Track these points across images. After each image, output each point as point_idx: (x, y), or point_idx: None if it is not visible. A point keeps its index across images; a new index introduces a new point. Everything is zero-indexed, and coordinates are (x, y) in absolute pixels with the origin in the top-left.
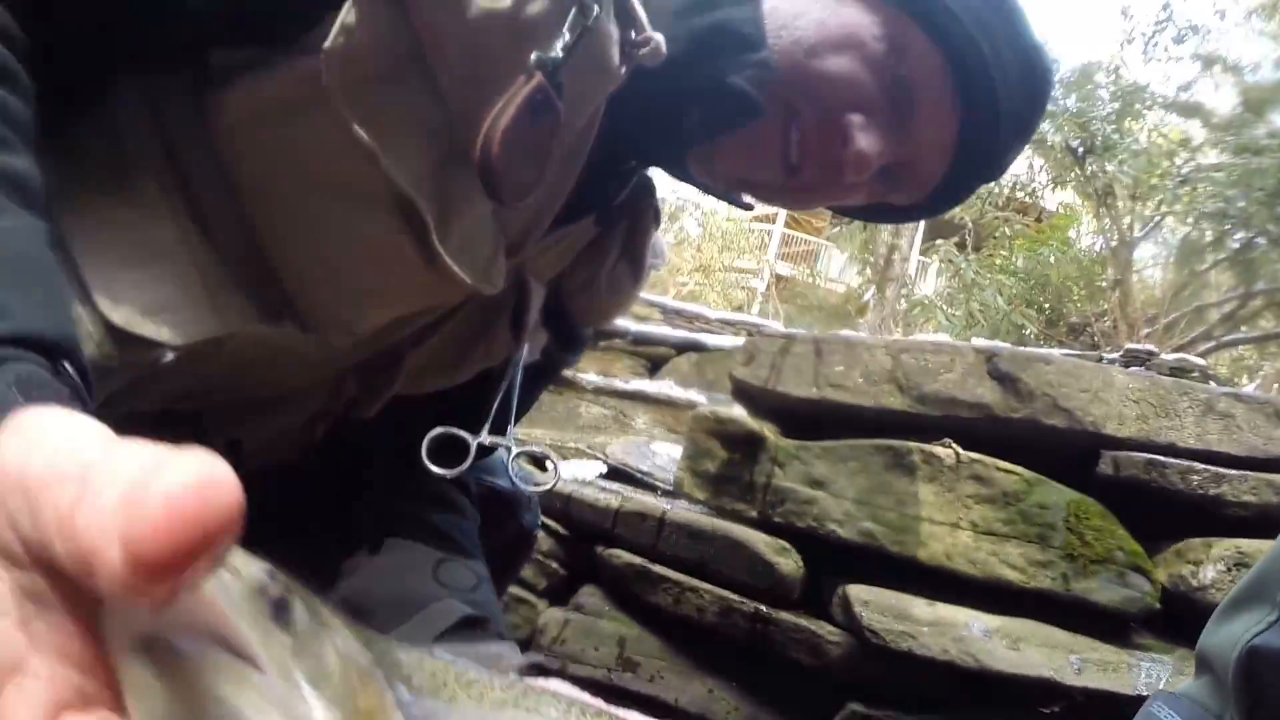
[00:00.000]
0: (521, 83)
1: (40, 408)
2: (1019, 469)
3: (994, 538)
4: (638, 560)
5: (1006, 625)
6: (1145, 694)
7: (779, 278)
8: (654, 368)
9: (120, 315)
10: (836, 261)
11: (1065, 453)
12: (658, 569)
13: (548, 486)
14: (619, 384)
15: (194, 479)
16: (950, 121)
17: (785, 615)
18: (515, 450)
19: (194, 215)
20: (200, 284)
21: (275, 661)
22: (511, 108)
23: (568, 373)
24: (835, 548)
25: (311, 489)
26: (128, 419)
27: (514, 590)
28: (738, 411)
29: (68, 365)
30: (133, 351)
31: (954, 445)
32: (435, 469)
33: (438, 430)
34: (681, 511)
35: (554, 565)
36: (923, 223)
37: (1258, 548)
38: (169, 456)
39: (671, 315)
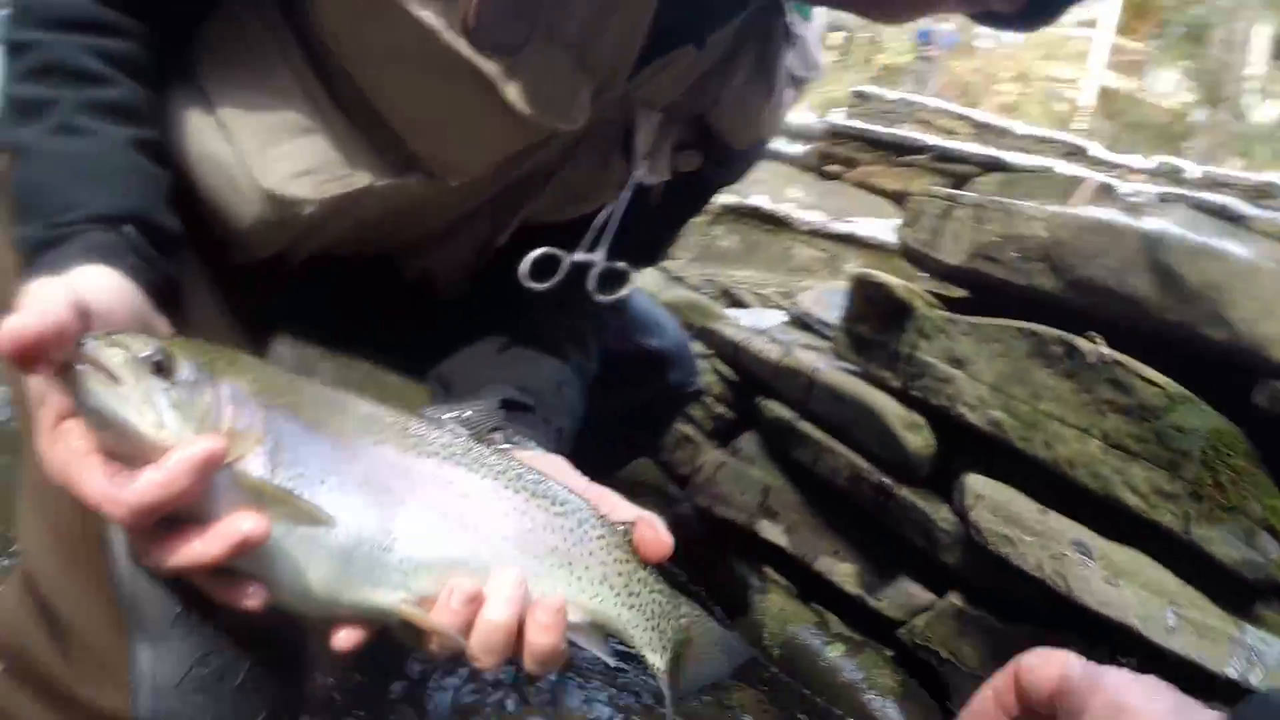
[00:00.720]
0: None
1: (96, 266)
2: (1164, 381)
3: (1122, 454)
4: (787, 414)
5: (1113, 555)
6: (1235, 678)
7: (1105, 90)
8: (958, 185)
9: (270, 180)
10: (1167, 76)
11: (1221, 372)
12: (803, 426)
13: (619, 295)
14: (834, 225)
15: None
16: None
17: (905, 492)
18: (600, 265)
19: (325, 93)
20: (335, 149)
21: (140, 387)
22: None
23: (782, 212)
24: (965, 432)
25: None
26: (329, 261)
27: (684, 430)
28: (892, 276)
29: (131, 228)
30: (285, 209)
31: (1099, 340)
32: (531, 284)
33: (539, 251)
34: (832, 372)
35: (721, 409)
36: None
37: None
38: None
39: (981, 130)
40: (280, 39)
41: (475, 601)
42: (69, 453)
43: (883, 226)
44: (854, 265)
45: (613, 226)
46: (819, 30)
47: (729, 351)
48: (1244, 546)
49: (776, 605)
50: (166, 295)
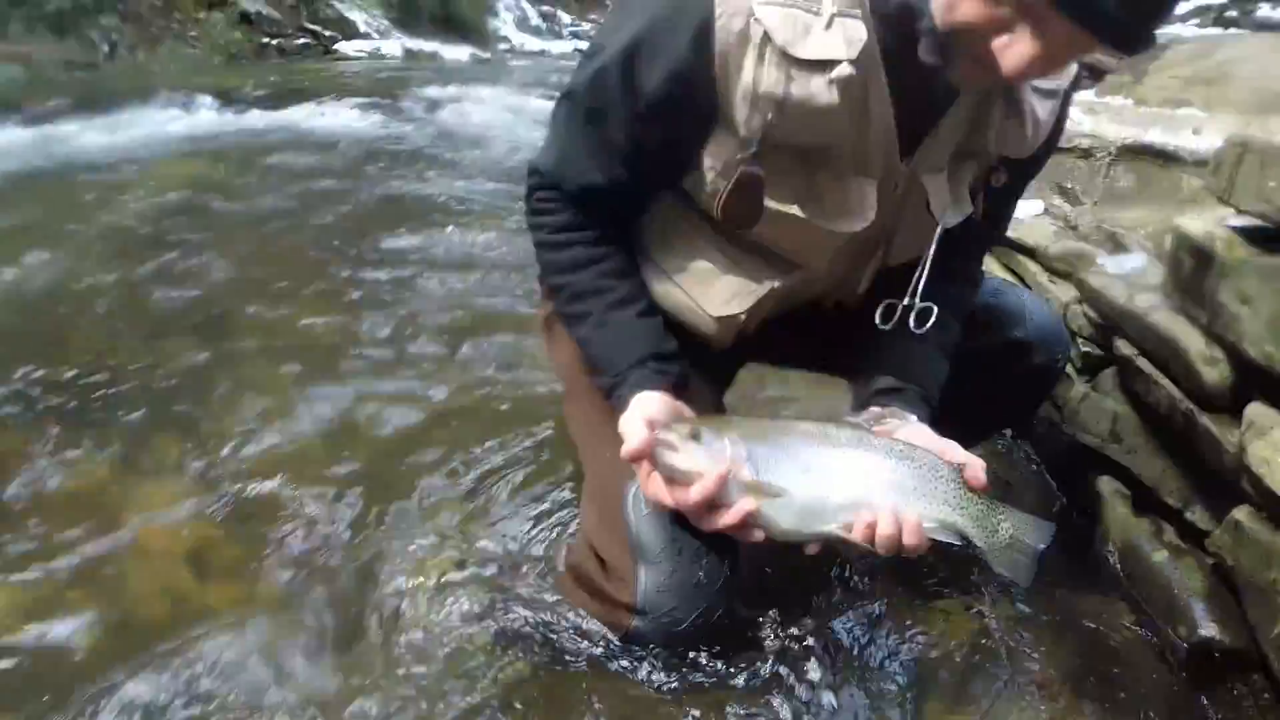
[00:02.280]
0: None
1: (643, 392)
2: None
3: None
4: (1129, 352)
5: None
6: None
7: None
8: None
9: (714, 310)
10: None
11: None
12: (1140, 361)
13: (927, 327)
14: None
15: (630, 451)
16: None
17: (1205, 419)
18: (917, 305)
19: (725, 240)
20: (742, 276)
21: (686, 448)
22: (725, 190)
23: (1172, 146)
24: (1250, 365)
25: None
26: (785, 316)
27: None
28: (1198, 225)
29: (651, 362)
30: (727, 321)
31: None
32: (881, 324)
33: (883, 303)
34: (1158, 312)
35: (1089, 348)
36: None
37: None
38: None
39: None
40: (686, 214)
41: (872, 525)
42: (657, 486)
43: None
44: None
45: (924, 271)
46: None
47: (1091, 296)
48: None
49: (1121, 515)
50: (682, 386)
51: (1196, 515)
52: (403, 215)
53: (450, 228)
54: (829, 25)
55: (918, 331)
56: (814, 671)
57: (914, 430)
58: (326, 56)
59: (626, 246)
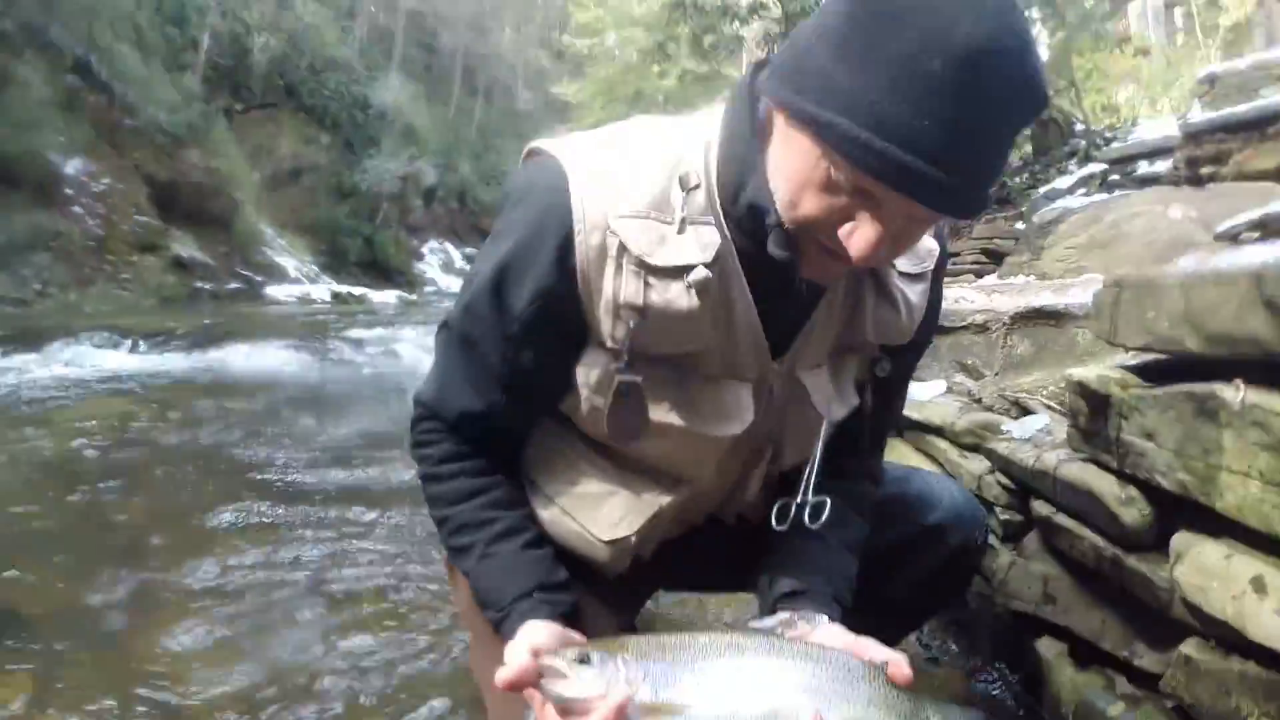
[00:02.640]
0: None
1: (530, 621)
2: None
3: (1276, 488)
4: (1047, 510)
5: None
6: None
7: None
8: None
9: (604, 534)
10: None
11: None
12: (1059, 518)
13: (783, 528)
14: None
15: (507, 679)
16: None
17: (1132, 560)
18: (805, 501)
19: (606, 462)
20: (630, 495)
21: (576, 675)
22: (608, 404)
23: (1061, 305)
24: (1167, 497)
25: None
26: (689, 537)
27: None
28: (1090, 371)
29: (538, 593)
30: (619, 545)
31: (1241, 386)
32: (776, 525)
33: (777, 503)
34: (1068, 465)
35: (1008, 515)
36: None
37: None
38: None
39: None
40: (568, 439)
41: None
42: (550, 715)
43: None
44: None
45: (813, 466)
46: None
47: (1001, 464)
48: None
49: (1069, 676)
50: (573, 615)
51: (1145, 660)
52: (323, 454)
53: (372, 468)
54: (681, 231)
55: (813, 527)
56: None
57: (828, 631)
58: (257, 301)
59: (512, 477)
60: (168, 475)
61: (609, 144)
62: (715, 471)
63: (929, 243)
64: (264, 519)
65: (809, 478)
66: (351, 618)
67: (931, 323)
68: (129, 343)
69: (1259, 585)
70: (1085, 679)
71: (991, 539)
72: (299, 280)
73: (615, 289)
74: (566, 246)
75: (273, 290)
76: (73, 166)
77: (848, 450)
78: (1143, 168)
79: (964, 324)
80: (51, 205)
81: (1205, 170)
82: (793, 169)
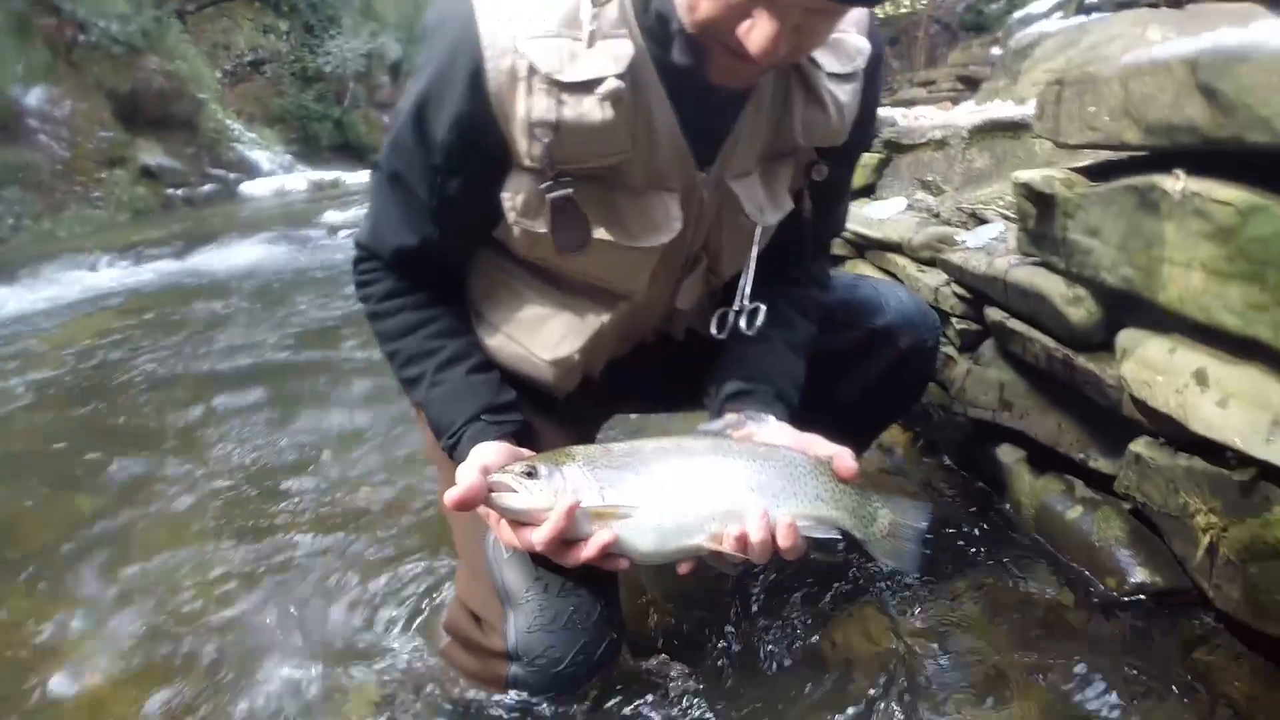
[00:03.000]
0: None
1: (481, 443)
2: (1233, 197)
3: (1219, 278)
4: (1000, 316)
5: (1227, 378)
6: None
7: None
8: None
9: (547, 354)
10: None
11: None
12: (1012, 323)
13: (723, 336)
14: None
15: (455, 497)
16: None
17: (1082, 360)
18: (742, 308)
19: (546, 284)
20: (571, 315)
21: (524, 487)
22: (541, 219)
23: (1019, 115)
24: (1114, 293)
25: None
26: (633, 351)
27: (945, 349)
28: (1035, 174)
29: (486, 414)
30: (564, 364)
31: (1181, 175)
32: (715, 333)
33: (717, 312)
34: (1017, 269)
35: (964, 325)
36: None
37: None
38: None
39: None
40: (506, 266)
41: (743, 534)
42: (506, 532)
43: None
44: None
45: (749, 273)
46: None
47: (956, 274)
48: None
49: (1028, 482)
50: (524, 434)
51: (1100, 462)
52: (308, 340)
53: (351, 343)
54: (591, 45)
55: (748, 333)
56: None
57: (774, 430)
58: (232, 200)
59: (456, 307)
60: (150, 381)
61: None
62: (650, 283)
63: (858, 41)
64: (249, 401)
65: (744, 284)
66: (339, 483)
67: (868, 124)
68: (107, 260)
69: (1201, 378)
70: (1044, 484)
71: (950, 349)
72: (273, 172)
73: (528, 109)
74: (478, 73)
75: (248, 187)
76: (34, 97)
77: (791, 257)
78: None
79: (923, 140)
80: (17, 139)
81: None
82: None
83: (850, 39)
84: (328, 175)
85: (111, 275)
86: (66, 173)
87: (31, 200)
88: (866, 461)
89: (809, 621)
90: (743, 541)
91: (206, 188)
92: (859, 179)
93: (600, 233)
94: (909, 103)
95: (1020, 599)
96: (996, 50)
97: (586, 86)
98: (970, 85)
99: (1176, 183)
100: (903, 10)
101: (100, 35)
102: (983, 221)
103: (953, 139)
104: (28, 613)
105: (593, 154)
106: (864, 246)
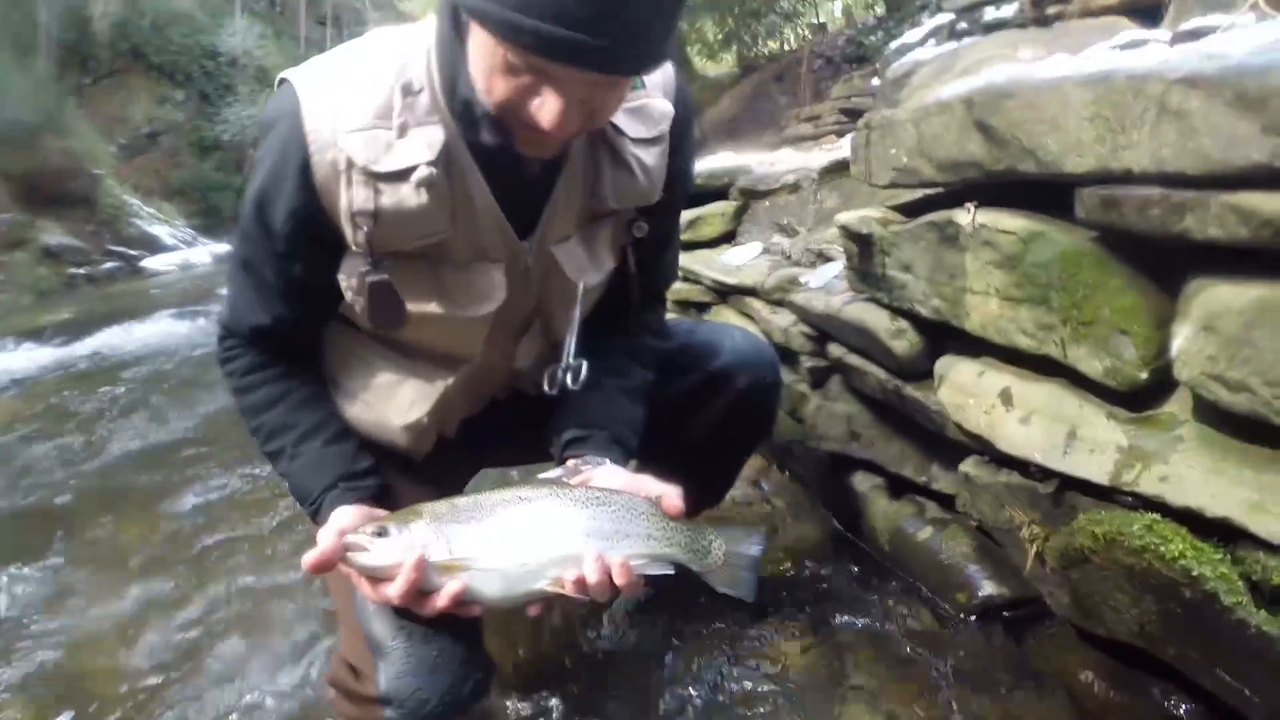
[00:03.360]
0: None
1: (338, 508)
2: (1016, 225)
3: (1012, 303)
4: (838, 351)
5: (1031, 396)
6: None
7: None
8: None
9: (398, 420)
10: None
11: (1054, 200)
12: (850, 358)
13: (581, 381)
14: None
15: (312, 560)
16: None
17: (910, 389)
18: (567, 365)
19: (394, 353)
20: (418, 381)
21: (375, 545)
22: (362, 298)
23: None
24: (928, 324)
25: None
26: (489, 409)
27: (797, 388)
28: (853, 215)
29: (342, 483)
30: (415, 428)
31: (971, 208)
32: (547, 390)
33: (548, 369)
34: (848, 307)
35: (813, 362)
36: None
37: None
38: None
39: None
40: (356, 337)
41: (580, 579)
42: (367, 589)
43: None
44: None
45: (571, 334)
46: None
47: (800, 313)
48: (1105, 355)
49: (882, 507)
50: (383, 496)
51: (942, 483)
52: (211, 424)
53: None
54: (403, 135)
55: (573, 388)
56: None
57: (608, 473)
58: (136, 276)
59: (313, 379)
60: (50, 465)
61: (343, 63)
62: (486, 347)
63: (662, 105)
64: (153, 484)
65: (568, 342)
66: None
67: (680, 182)
68: (9, 344)
69: (1006, 397)
70: (897, 508)
71: (802, 385)
72: (176, 246)
73: (349, 200)
74: (306, 168)
75: (150, 263)
76: None
77: (622, 309)
78: (990, 13)
79: (778, 185)
80: None
81: (1051, 10)
82: (480, 60)
83: (654, 104)
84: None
85: (16, 359)
86: None
87: None
88: (734, 496)
89: (668, 650)
90: (581, 584)
91: (108, 265)
92: (718, 227)
93: (430, 306)
94: (796, 140)
95: (878, 620)
96: (876, 81)
97: (401, 175)
98: (854, 117)
99: (967, 216)
100: (786, 49)
101: (3, 120)
102: (828, 260)
103: (805, 181)
104: None
105: (413, 236)
106: (724, 292)
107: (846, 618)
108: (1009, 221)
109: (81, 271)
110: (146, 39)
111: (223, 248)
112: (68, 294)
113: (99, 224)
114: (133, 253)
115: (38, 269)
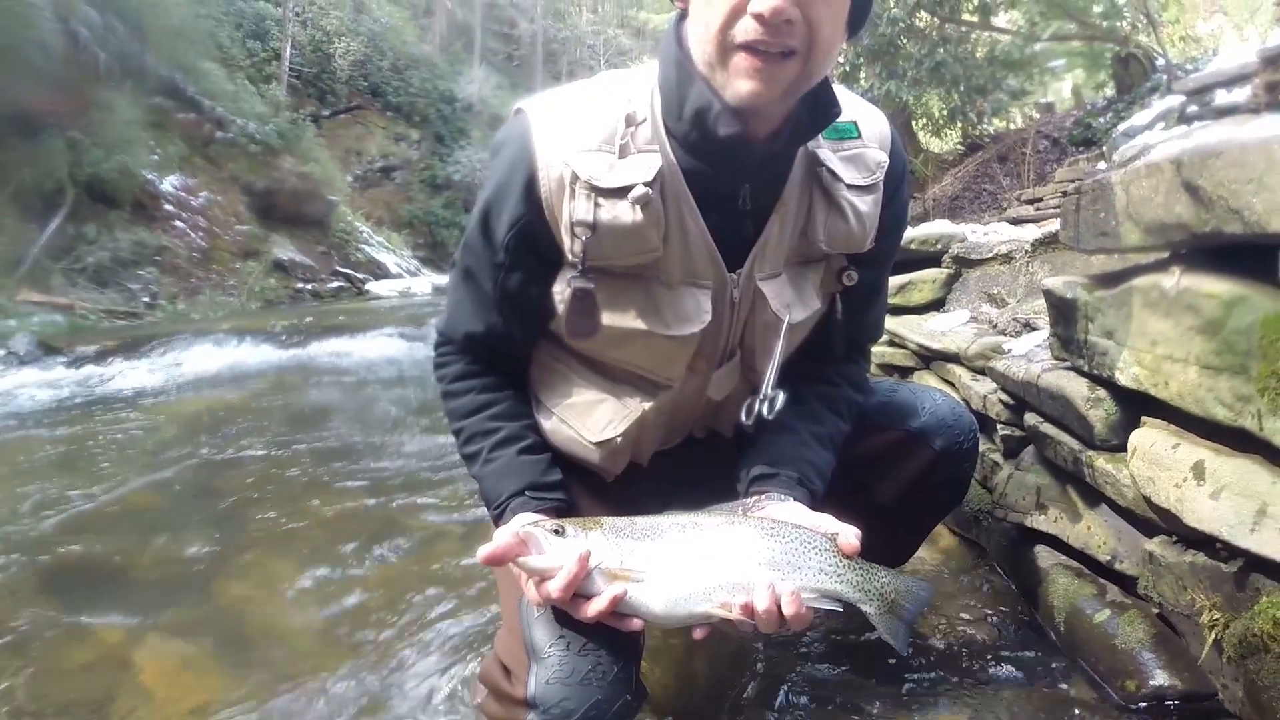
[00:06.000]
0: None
1: (521, 514)
2: (1219, 289)
3: (1210, 371)
4: (1034, 420)
5: (1221, 469)
6: None
7: None
8: None
9: (594, 438)
10: None
11: (1259, 264)
12: (1045, 427)
13: (750, 423)
14: None
15: (487, 552)
16: None
17: (1100, 461)
18: (765, 395)
19: (595, 373)
20: (617, 402)
21: (550, 546)
22: (565, 305)
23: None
24: (1127, 393)
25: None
26: (684, 446)
27: (988, 456)
28: (1058, 280)
29: (528, 491)
30: (608, 446)
31: (1176, 272)
32: (744, 420)
33: (747, 400)
34: (1047, 375)
35: (1008, 430)
36: None
37: None
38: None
39: None
40: (561, 356)
41: (748, 605)
42: (531, 589)
43: None
44: None
45: (773, 366)
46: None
47: (1000, 380)
48: None
49: (1063, 585)
50: (567, 512)
51: (1126, 564)
52: (411, 425)
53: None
54: (624, 158)
55: (768, 418)
56: None
57: (787, 509)
58: (359, 298)
59: (518, 392)
60: (266, 455)
61: (573, 95)
62: (685, 373)
63: (877, 155)
64: (333, 490)
65: (769, 374)
66: (415, 550)
67: (893, 234)
68: (235, 341)
69: (1199, 471)
70: (1077, 587)
71: (996, 454)
72: (400, 275)
73: (571, 211)
74: (532, 182)
75: (374, 286)
76: (169, 183)
77: (824, 355)
78: (1220, 97)
79: (990, 255)
80: (153, 221)
81: None
82: (699, 15)
83: (870, 153)
84: None
85: (238, 355)
86: (203, 260)
87: (168, 282)
88: (917, 561)
89: (827, 699)
90: (749, 611)
91: (334, 284)
92: (927, 294)
93: (636, 322)
94: (1017, 221)
95: (1041, 699)
96: (1102, 165)
97: (620, 192)
98: None
99: (1172, 279)
100: (1012, 128)
101: (238, 133)
102: (1034, 330)
103: (1017, 252)
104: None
105: (626, 252)
106: (928, 357)
107: (1008, 692)
108: (1212, 285)
109: (308, 287)
110: (386, 79)
111: (444, 279)
112: (293, 305)
113: (330, 245)
114: (359, 275)
115: (268, 279)
